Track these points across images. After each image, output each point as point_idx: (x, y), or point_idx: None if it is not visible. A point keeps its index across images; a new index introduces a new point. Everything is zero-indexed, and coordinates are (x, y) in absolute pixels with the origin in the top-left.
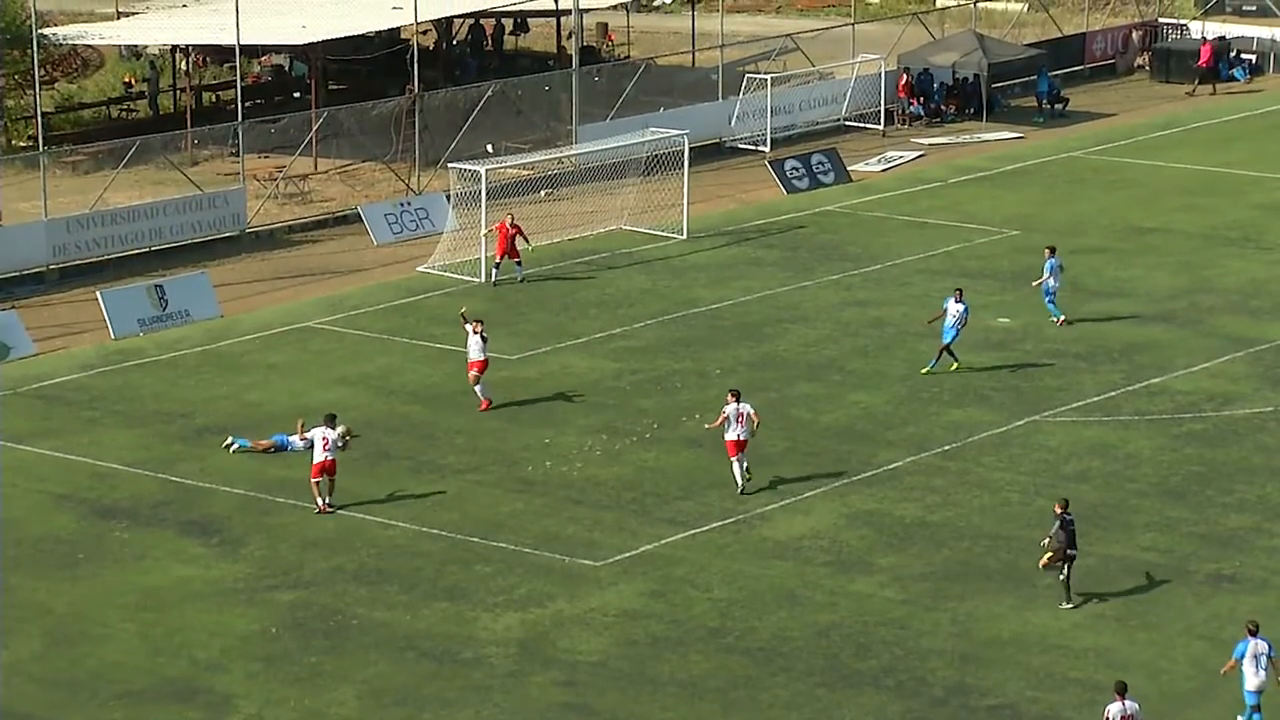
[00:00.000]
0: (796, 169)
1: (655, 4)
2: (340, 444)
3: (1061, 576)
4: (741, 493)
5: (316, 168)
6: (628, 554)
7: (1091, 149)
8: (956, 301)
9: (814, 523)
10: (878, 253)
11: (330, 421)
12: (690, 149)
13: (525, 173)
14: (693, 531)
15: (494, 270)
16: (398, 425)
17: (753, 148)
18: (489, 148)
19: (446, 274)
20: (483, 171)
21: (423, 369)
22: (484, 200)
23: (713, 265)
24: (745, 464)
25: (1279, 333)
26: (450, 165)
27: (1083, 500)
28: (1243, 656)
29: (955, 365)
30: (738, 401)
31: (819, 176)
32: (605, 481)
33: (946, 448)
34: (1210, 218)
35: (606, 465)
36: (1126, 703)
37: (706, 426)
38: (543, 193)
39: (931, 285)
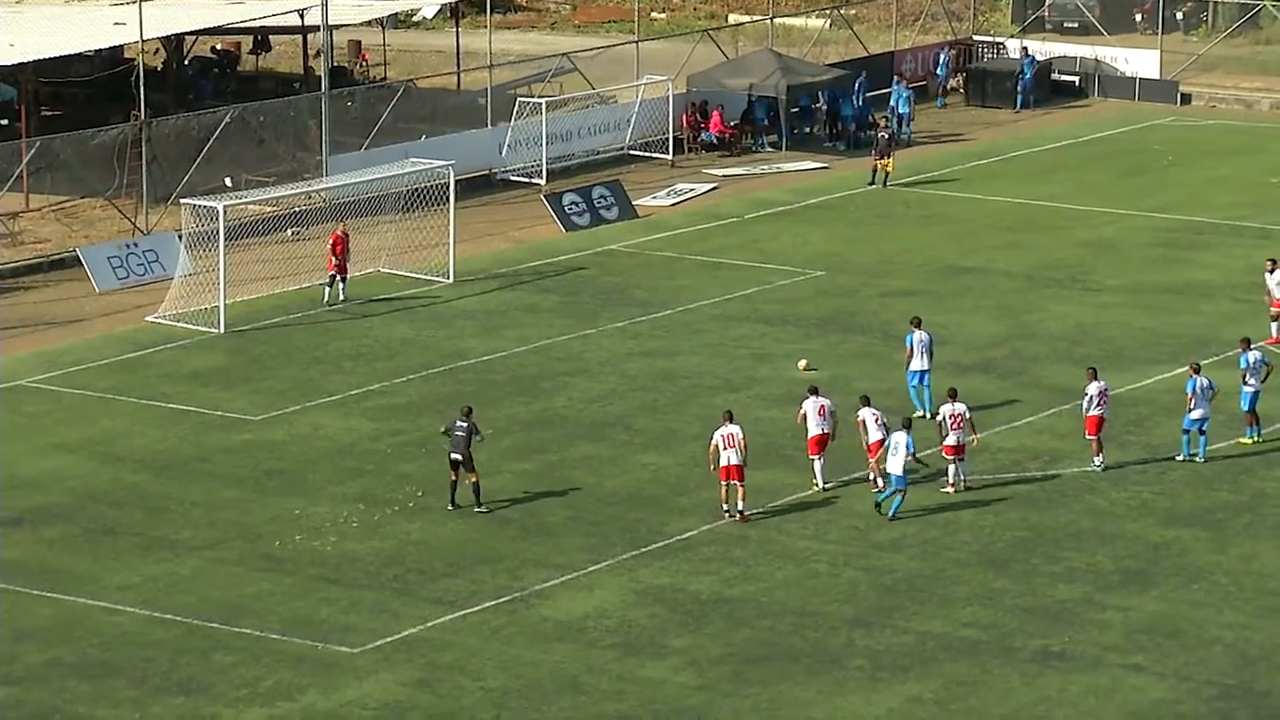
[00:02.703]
0: (576, 204)
1: (414, 19)
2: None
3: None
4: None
5: (28, 205)
6: (389, 639)
7: (903, 180)
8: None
9: (599, 600)
10: (668, 297)
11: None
12: (456, 181)
13: (269, 209)
14: (462, 612)
15: None
16: (124, 497)
17: (526, 180)
18: (227, 181)
19: (179, 325)
20: (220, 208)
21: (153, 432)
22: (221, 240)
23: (483, 312)
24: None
25: (1110, 383)
26: (183, 201)
27: (898, 571)
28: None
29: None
30: (816, 396)
31: (601, 212)
32: (363, 557)
33: (747, 514)
34: (1032, 256)
35: (364, 539)
36: None
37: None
38: (289, 232)
39: (727, 332)
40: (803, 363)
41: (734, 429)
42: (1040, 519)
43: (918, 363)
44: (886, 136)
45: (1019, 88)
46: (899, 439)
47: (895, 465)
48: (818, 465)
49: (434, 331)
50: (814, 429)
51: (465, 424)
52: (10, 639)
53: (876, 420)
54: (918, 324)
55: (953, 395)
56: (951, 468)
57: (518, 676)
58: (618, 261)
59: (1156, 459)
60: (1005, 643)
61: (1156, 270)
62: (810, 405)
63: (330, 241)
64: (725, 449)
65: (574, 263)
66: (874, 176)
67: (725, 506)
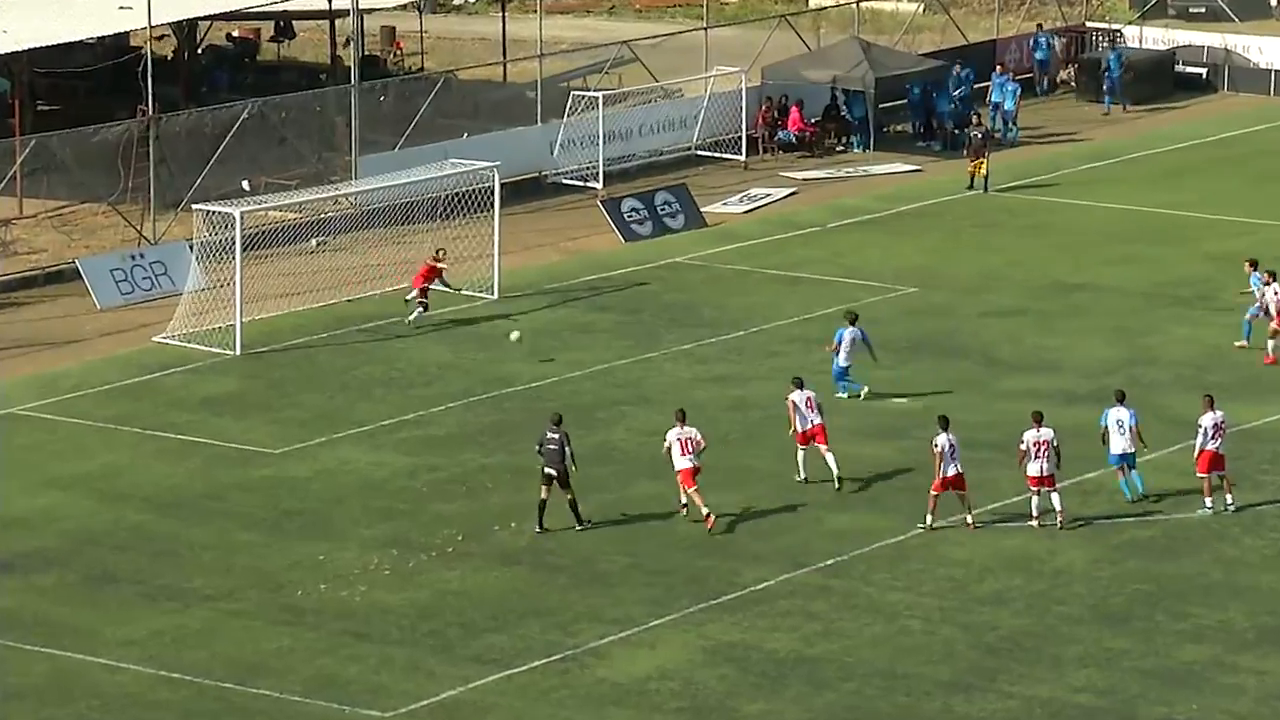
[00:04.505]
0: (636, 211)
1: (455, 3)
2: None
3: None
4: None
5: (22, 211)
6: (424, 702)
7: (1006, 185)
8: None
9: (662, 659)
10: (739, 316)
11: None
12: (502, 185)
13: (292, 216)
14: (508, 672)
15: None
16: (127, 540)
17: (581, 184)
18: (245, 185)
19: (190, 345)
20: (237, 215)
21: (160, 467)
22: (238, 251)
23: (531, 333)
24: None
25: (1242, 415)
26: (195, 207)
27: (1001, 628)
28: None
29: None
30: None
31: (665, 220)
32: (395, 609)
33: (829, 563)
34: (1153, 272)
35: (397, 589)
36: None
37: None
38: (314, 242)
39: (807, 358)
40: (900, 400)
41: (691, 431)
42: (1163, 569)
43: (844, 359)
44: (981, 135)
45: (1104, 86)
46: (1122, 415)
47: (1119, 444)
48: (830, 458)
49: (475, 354)
50: (800, 425)
51: (557, 434)
52: (0, 698)
53: (953, 452)
54: (853, 320)
55: (1038, 420)
56: (1035, 500)
57: None
58: (683, 276)
59: None
60: (1124, 710)
61: None
62: (798, 397)
63: (423, 271)
64: (682, 455)
65: (634, 277)
66: (972, 181)
67: (685, 512)
